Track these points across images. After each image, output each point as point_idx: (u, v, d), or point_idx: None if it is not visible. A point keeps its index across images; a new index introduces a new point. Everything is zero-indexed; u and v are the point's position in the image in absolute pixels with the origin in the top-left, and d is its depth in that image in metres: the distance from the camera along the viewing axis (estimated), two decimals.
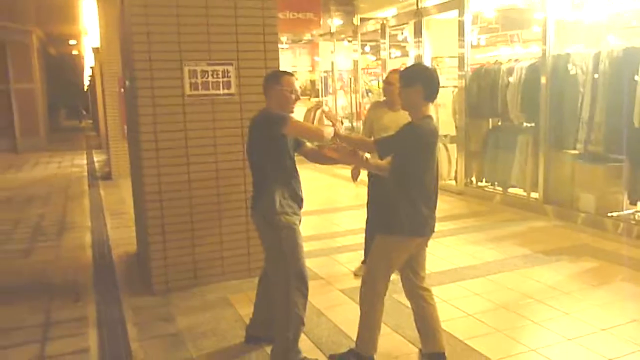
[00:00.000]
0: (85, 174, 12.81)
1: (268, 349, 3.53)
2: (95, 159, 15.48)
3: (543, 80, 6.98)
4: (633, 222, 6.16)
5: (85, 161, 15.38)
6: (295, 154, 3.54)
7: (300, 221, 3.45)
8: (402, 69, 3.53)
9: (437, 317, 3.39)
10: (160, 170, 4.59)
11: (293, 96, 3.44)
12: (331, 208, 8.00)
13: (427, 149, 3.19)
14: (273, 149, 3.36)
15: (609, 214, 6.37)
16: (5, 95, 18.87)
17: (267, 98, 3.48)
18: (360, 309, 3.38)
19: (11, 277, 5.53)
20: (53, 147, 19.47)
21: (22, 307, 4.60)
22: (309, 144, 3.67)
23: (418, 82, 3.20)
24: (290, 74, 3.53)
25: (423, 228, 3.25)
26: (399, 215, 3.21)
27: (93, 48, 14.20)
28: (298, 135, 3.50)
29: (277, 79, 3.44)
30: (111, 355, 3.68)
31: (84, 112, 38.71)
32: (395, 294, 4.28)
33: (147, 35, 4.46)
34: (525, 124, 7.58)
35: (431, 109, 3.29)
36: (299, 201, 3.48)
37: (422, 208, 3.20)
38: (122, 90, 9.34)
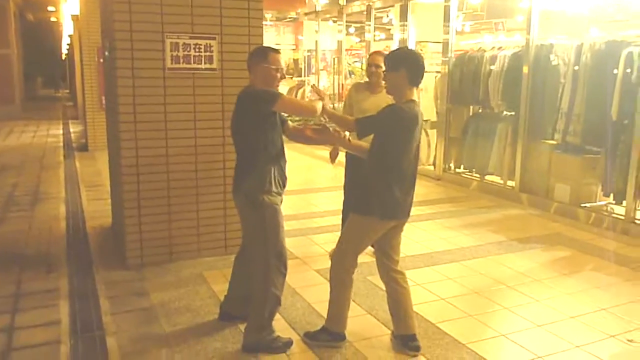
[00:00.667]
0: (61, 144, 12.60)
1: (241, 327, 3.53)
2: (71, 130, 15.22)
3: (525, 69, 7.02)
4: (605, 213, 6.28)
5: (61, 131, 15.11)
6: None
7: (281, 201, 3.44)
8: (385, 51, 3.51)
9: (410, 300, 3.42)
10: (138, 143, 4.52)
11: (278, 74, 3.37)
12: (310, 188, 8.00)
13: (406, 131, 3.18)
14: (264, 126, 3.30)
15: (583, 205, 6.47)
16: None
17: (251, 74, 3.40)
18: (330, 286, 3.41)
19: None
20: (28, 116, 19.08)
21: None
22: (290, 123, 3.63)
23: (403, 66, 3.19)
24: (277, 51, 3.45)
25: (395, 212, 3.26)
26: (373, 196, 3.22)
27: (72, 16, 13.85)
28: (289, 111, 3.46)
29: (264, 56, 3.35)
30: (82, 328, 3.65)
31: (61, 82, 37.98)
32: (370, 275, 4.32)
33: (129, 5, 4.35)
34: (505, 113, 7.63)
35: (415, 94, 3.28)
36: (284, 181, 3.45)
37: (397, 192, 3.21)
38: (101, 60, 9.15)
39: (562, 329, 3.71)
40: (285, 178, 3.46)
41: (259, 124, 3.29)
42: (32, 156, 10.94)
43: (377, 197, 3.22)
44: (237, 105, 3.37)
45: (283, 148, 3.44)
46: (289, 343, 3.42)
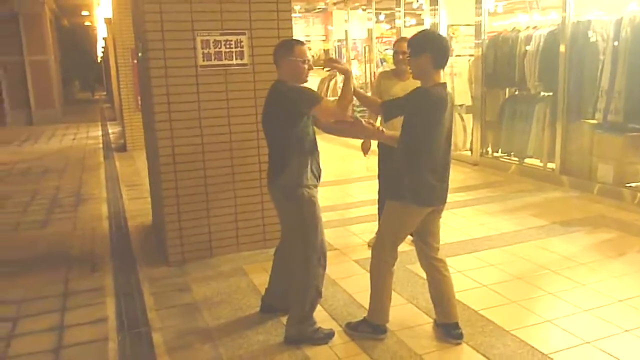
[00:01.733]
0: (101, 145, 12.89)
1: (283, 319, 3.56)
2: (110, 131, 15.54)
3: (562, 48, 6.82)
4: None
5: (100, 133, 15.46)
6: None
7: (317, 193, 3.44)
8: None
9: (452, 288, 3.39)
10: (174, 141, 4.58)
11: (306, 66, 3.34)
12: (346, 179, 7.98)
13: (434, 114, 3.13)
14: (298, 120, 3.28)
15: (627, 185, 6.28)
16: (20, 67, 18.92)
17: (278, 68, 3.39)
18: (370, 278, 3.40)
19: (29, 248, 5.60)
20: (68, 119, 19.57)
21: (40, 278, 4.67)
22: None
23: (427, 50, 3.14)
24: (302, 43, 3.43)
25: (430, 197, 3.22)
26: (406, 183, 3.19)
27: (105, 19, 14.12)
28: (323, 117, 3.38)
29: (289, 49, 3.33)
30: (129, 324, 3.74)
31: (97, 85, 38.75)
32: (410, 264, 4.29)
33: (159, 5, 4.40)
34: (542, 93, 7.45)
35: (445, 77, 3.23)
36: (319, 173, 3.44)
37: (429, 177, 3.17)
38: (135, 61, 9.30)
39: (610, 313, 3.61)
40: (320, 170, 3.46)
41: (294, 120, 3.27)
42: (74, 158, 11.22)
43: (410, 184, 3.18)
44: (270, 101, 3.37)
45: (315, 140, 3.43)
46: (330, 334, 3.43)
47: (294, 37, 4.39)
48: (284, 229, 3.54)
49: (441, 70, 3.22)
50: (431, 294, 3.44)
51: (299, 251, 3.35)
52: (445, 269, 3.39)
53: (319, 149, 3.46)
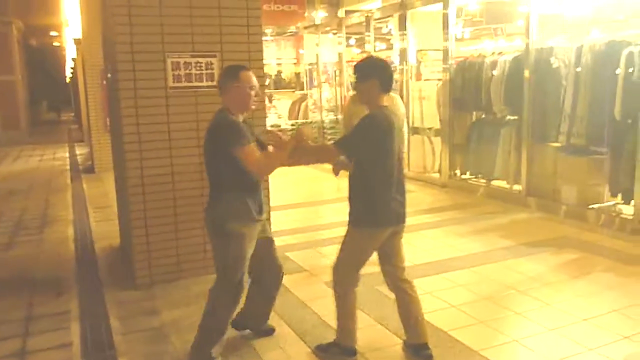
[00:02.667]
0: (68, 167, 12.68)
1: (255, 343, 3.53)
2: (77, 152, 15.31)
3: (526, 73, 7.02)
4: (613, 213, 6.24)
5: (67, 154, 15.22)
6: None
7: (257, 228, 3.36)
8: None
9: (420, 308, 3.41)
10: (143, 163, 4.55)
11: (252, 92, 3.25)
12: (316, 201, 7.98)
13: (384, 136, 3.17)
14: (229, 157, 3.16)
15: (590, 206, 6.44)
16: None
17: (223, 95, 3.26)
18: (335, 301, 3.39)
19: None
20: (35, 140, 19.22)
21: (3, 302, 4.54)
22: (270, 147, 3.44)
23: (374, 75, 3.21)
24: (248, 69, 3.32)
25: (388, 218, 3.25)
26: (361, 207, 3.23)
27: (74, 39, 14.01)
28: (243, 163, 3.17)
29: (234, 75, 3.22)
30: (94, 350, 3.65)
31: (63, 105, 38.25)
32: (378, 285, 4.29)
33: (130, 27, 4.40)
34: (508, 117, 7.63)
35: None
36: (258, 208, 3.33)
37: (385, 197, 3.21)
38: (105, 82, 9.23)
39: (574, 332, 3.68)
40: (260, 205, 3.35)
41: (225, 155, 3.15)
42: (40, 180, 11.01)
43: (364, 207, 3.21)
44: (209, 131, 3.26)
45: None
46: None
47: (265, 60, 4.42)
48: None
49: (385, 95, 3.27)
50: (400, 315, 3.45)
51: (217, 284, 3.32)
52: (412, 289, 3.41)
53: (260, 186, 3.38)
